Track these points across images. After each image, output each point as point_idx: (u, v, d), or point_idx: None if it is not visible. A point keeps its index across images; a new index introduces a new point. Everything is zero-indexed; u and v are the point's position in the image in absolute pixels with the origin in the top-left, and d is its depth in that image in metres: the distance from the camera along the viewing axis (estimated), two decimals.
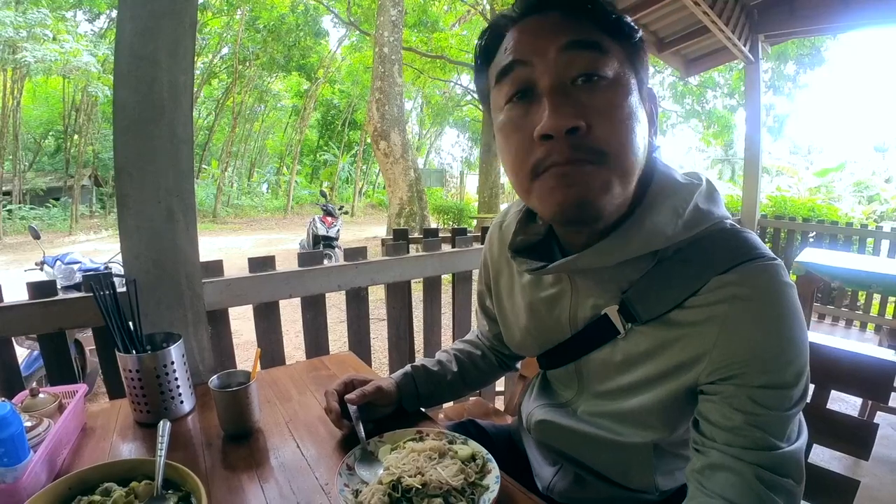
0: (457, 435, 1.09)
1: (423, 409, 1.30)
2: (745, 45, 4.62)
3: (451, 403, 2.67)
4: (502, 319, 1.17)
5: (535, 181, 0.80)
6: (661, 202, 0.82)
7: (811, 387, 0.78)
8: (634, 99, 0.79)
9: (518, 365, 1.46)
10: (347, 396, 1.16)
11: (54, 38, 15.41)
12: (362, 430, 1.10)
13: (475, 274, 2.65)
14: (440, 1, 18.36)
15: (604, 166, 0.76)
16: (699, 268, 0.80)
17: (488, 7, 15.12)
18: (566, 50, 0.76)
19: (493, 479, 0.95)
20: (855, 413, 3.08)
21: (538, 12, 0.81)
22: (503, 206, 1.27)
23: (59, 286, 3.98)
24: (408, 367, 1.31)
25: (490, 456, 1.01)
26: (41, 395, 1.23)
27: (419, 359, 1.37)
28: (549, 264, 0.88)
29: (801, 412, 0.79)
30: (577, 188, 0.77)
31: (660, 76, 18.18)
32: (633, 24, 0.82)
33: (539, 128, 0.75)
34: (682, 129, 21.10)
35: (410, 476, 0.93)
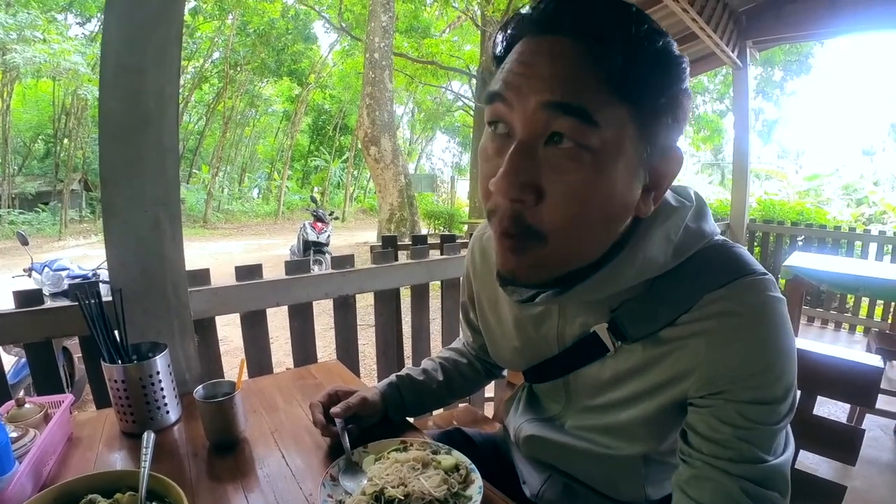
0: (441, 445, 1.09)
1: (411, 421, 1.30)
2: (733, 51, 4.65)
3: (440, 411, 2.67)
4: (487, 334, 1.16)
5: (491, 225, 0.78)
6: (654, 230, 0.80)
7: (797, 393, 0.78)
8: (619, 174, 0.70)
9: (505, 372, 1.45)
10: (332, 410, 1.15)
11: (44, 41, 15.34)
12: (347, 441, 1.09)
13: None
14: (431, 7, 18.39)
15: (538, 249, 0.74)
16: (690, 286, 0.80)
17: (479, 13, 15.16)
18: (546, 108, 0.68)
19: (476, 489, 0.95)
20: (844, 416, 3.11)
21: (549, 33, 0.70)
22: None
23: (47, 293, 3.98)
24: (392, 377, 1.30)
25: (473, 466, 1.01)
26: (27, 406, 1.22)
27: (406, 367, 1.36)
28: (538, 294, 0.86)
29: (788, 425, 0.79)
30: (511, 263, 0.77)
31: None
32: (675, 74, 0.70)
33: (491, 182, 0.71)
34: None
35: (393, 487, 0.93)
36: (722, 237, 0.85)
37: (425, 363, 1.36)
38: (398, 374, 1.31)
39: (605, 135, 0.67)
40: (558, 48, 0.69)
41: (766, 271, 0.79)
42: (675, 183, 0.82)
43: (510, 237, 0.74)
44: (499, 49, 0.77)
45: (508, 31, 0.76)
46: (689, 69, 0.73)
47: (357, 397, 1.20)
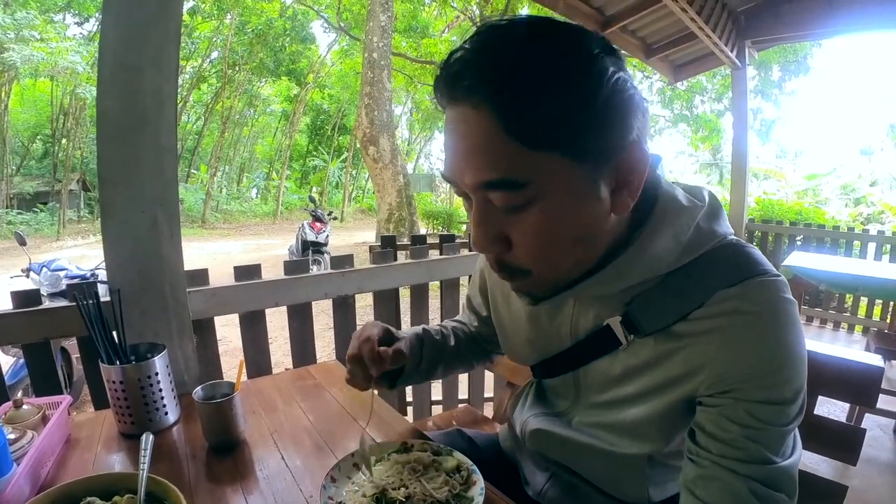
0: (442, 446, 1.08)
1: (410, 420, 1.29)
2: (731, 51, 4.66)
3: (440, 411, 2.67)
4: (500, 328, 1.16)
5: None
6: (662, 229, 0.80)
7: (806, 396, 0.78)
8: (572, 205, 0.72)
9: (493, 357, 1.43)
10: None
11: (42, 40, 15.31)
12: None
13: (463, 280, 2.66)
14: (430, 7, 18.39)
15: (527, 279, 0.81)
16: (703, 282, 0.79)
17: (477, 12, 15.16)
18: (478, 188, 0.73)
19: (478, 490, 0.95)
20: (844, 415, 3.11)
21: (454, 101, 0.72)
22: None
23: (45, 293, 3.98)
24: (419, 329, 1.25)
25: (475, 467, 1.01)
26: (25, 407, 1.21)
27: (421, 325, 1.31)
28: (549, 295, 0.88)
29: (797, 427, 0.79)
30: (514, 286, 0.87)
31: (648, 81, 18.28)
32: (589, 76, 0.68)
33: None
34: (670, 133, 21.21)
35: (394, 489, 0.93)
36: (735, 237, 0.85)
37: (435, 326, 1.32)
38: (424, 327, 1.27)
39: (539, 185, 0.70)
40: (464, 119, 0.71)
41: (778, 273, 0.79)
42: (688, 184, 0.86)
43: (500, 273, 0.82)
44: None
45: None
46: (611, 58, 0.70)
47: (394, 349, 1.07)
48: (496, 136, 0.68)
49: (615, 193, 0.74)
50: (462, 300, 1.86)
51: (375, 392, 1.09)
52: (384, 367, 1.05)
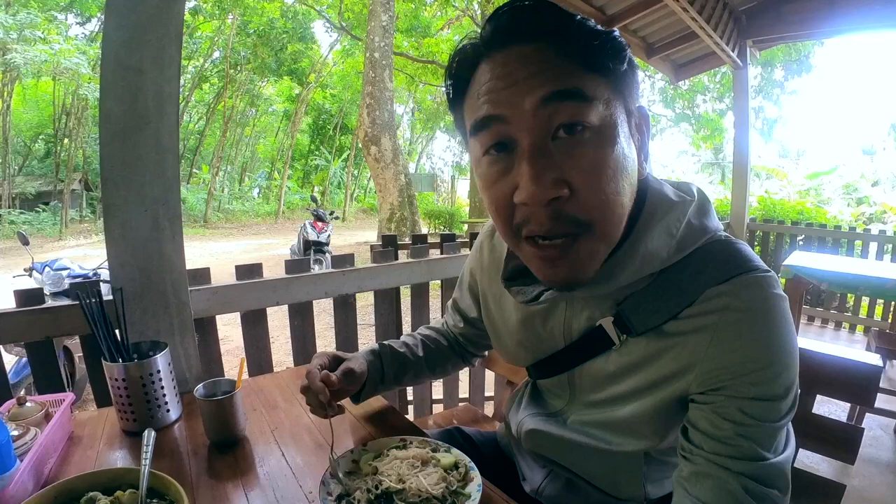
0: (440, 443, 1.09)
1: (410, 419, 1.30)
2: (733, 50, 4.65)
3: (440, 409, 2.67)
4: (493, 330, 1.17)
5: (520, 243, 0.80)
6: (654, 224, 0.81)
7: (798, 391, 0.79)
8: (623, 141, 0.74)
9: (476, 361, 1.44)
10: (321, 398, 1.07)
11: (44, 40, 15.33)
12: (332, 438, 1.07)
13: None
14: (431, 6, 18.38)
15: (590, 237, 0.75)
16: (694, 280, 0.80)
17: (479, 11, 15.15)
18: (546, 103, 0.71)
19: (476, 487, 0.95)
20: (844, 415, 3.11)
21: (512, 43, 0.74)
22: None
23: (47, 292, 3.97)
24: (375, 346, 1.27)
25: (473, 464, 1.01)
26: (28, 404, 1.22)
27: (387, 341, 1.33)
28: (543, 292, 0.89)
29: (789, 423, 0.79)
30: (561, 269, 0.78)
31: (650, 80, 18.26)
32: (620, 42, 0.75)
33: (517, 195, 0.74)
34: (672, 132, 21.20)
35: (392, 482, 0.93)
36: (725, 233, 0.85)
37: (405, 338, 1.35)
38: (381, 343, 1.29)
39: (600, 110, 0.72)
40: (526, 51, 0.73)
41: (768, 269, 0.80)
42: (677, 179, 0.87)
43: (556, 239, 0.75)
44: (458, 88, 0.83)
45: (461, 65, 0.81)
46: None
47: (342, 370, 1.13)
48: (558, 59, 0.72)
49: (638, 154, 0.80)
50: None
51: (329, 416, 1.09)
52: (337, 390, 1.09)
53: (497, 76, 0.74)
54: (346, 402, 1.21)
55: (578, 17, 0.74)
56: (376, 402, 1.38)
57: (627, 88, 0.77)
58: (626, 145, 0.75)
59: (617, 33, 0.75)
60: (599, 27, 0.74)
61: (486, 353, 1.44)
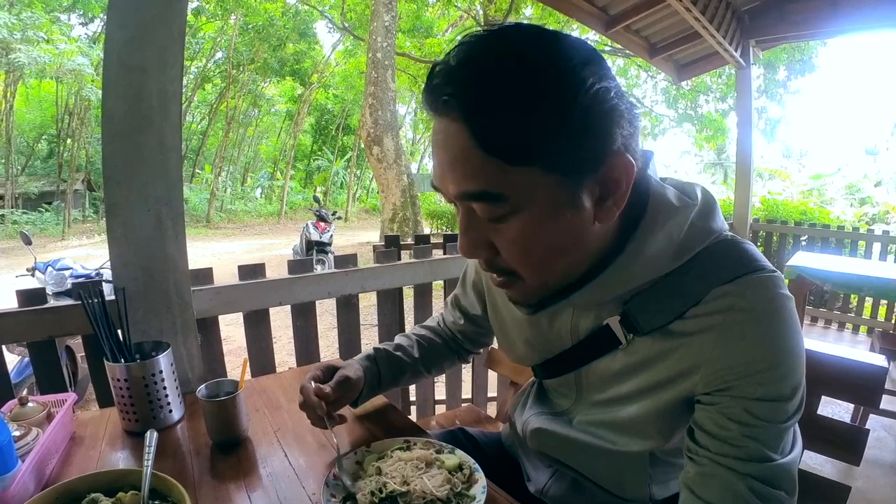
0: (444, 444, 1.09)
1: (414, 420, 1.30)
2: (736, 50, 4.64)
3: (443, 410, 2.67)
4: (500, 328, 1.16)
5: None
6: (655, 231, 0.80)
7: (805, 392, 0.78)
8: (548, 215, 0.72)
9: (470, 358, 1.47)
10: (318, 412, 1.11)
11: (48, 41, 15.35)
12: (335, 439, 1.09)
13: None
14: (434, 6, 18.39)
15: (519, 283, 0.82)
16: (700, 279, 0.79)
17: (481, 12, 15.15)
18: (461, 199, 0.74)
19: (480, 489, 0.95)
20: (848, 416, 3.10)
21: (435, 112, 0.73)
22: None
23: (50, 292, 3.99)
24: (371, 351, 1.30)
25: (477, 466, 1.01)
26: (30, 404, 1.22)
27: (382, 343, 1.35)
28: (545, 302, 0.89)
29: (796, 424, 0.79)
30: (513, 294, 0.87)
31: (652, 81, 18.25)
32: (567, 83, 0.67)
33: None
34: (675, 133, 21.14)
35: (397, 485, 0.93)
36: (731, 233, 0.84)
37: (399, 339, 1.36)
38: (376, 347, 1.31)
39: (518, 198, 0.71)
40: (445, 130, 0.71)
41: (774, 269, 0.79)
42: (683, 180, 0.85)
43: (493, 274, 0.83)
44: None
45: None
46: (591, 67, 0.69)
47: (337, 380, 1.16)
48: (473, 151, 0.68)
49: (599, 203, 0.74)
50: None
51: (331, 428, 1.10)
52: (331, 401, 1.13)
53: (433, 145, 0.76)
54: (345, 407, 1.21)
55: (508, 75, 0.66)
56: (379, 402, 1.37)
57: (573, 151, 0.69)
58: (554, 218, 0.73)
59: (576, 70, 0.67)
60: (546, 76, 0.67)
61: (482, 350, 1.44)
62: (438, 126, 0.73)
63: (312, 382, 1.14)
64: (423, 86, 0.74)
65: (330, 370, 1.20)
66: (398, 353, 1.30)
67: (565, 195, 0.71)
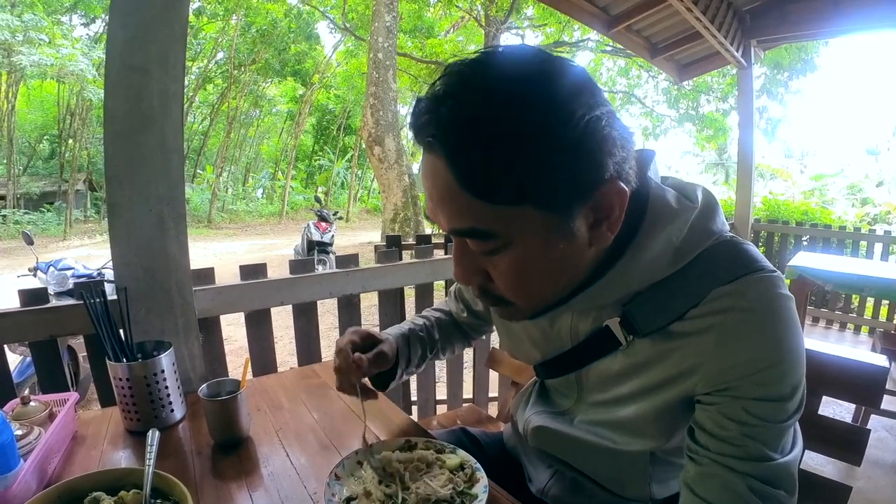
0: (446, 444, 1.09)
1: (414, 420, 1.30)
2: (737, 50, 4.63)
3: (444, 410, 2.66)
4: (505, 327, 1.16)
5: None
6: (654, 236, 0.79)
7: (805, 391, 0.78)
8: (538, 246, 0.72)
9: (474, 341, 1.50)
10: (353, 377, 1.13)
11: (50, 42, 15.36)
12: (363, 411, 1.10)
13: None
14: (435, 7, 18.39)
15: (511, 307, 0.83)
16: (700, 280, 0.79)
17: (482, 13, 15.15)
18: (451, 234, 0.75)
19: (482, 488, 0.95)
20: (849, 416, 3.09)
21: (424, 149, 0.72)
22: None
23: (52, 292, 3.99)
24: (405, 328, 1.30)
25: (479, 465, 1.01)
26: (32, 404, 1.23)
27: (406, 322, 1.37)
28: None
29: (796, 423, 0.79)
30: (502, 313, 0.87)
31: (654, 81, 18.23)
32: (557, 120, 0.65)
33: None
34: (676, 133, 21.12)
35: (398, 484, 0.93)
36: (731, 234, 0.84)
37: (419, 319, 1.37)
38: (410, 326, 1.32)
39: (508, 234, 0.71)
40: (433, 166, 0.71)
41: (774, 269, 0.79)
42: (684, 180, 0.86)
43: (485, 301, 0.86)
44: None
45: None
46: (583, 97, 0.67)
47: (376, 352, 1.16)
48: (459, 192, 0.68)
49: (594, 228, 0.74)
50: None
51: (361, 399, 1.12)
52: (365, 373, 1.13)
53: (422, 177, 0.76)
54: (352, 400, 1.21)
55: (486, 133, 0.65)
56: (381, 402, 1.38)
57: (562, 187, 0.68)
58: (545, 247, 0.73)
59: (566, 105, 0.66)
60: (534, 119, 0.64)
61: (484, 336, 1.48)
62: (426, 161, 0.72)
63: (352, 348, 1.14)
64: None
65: (367, 339, 1.19)
66: (424, 335, 1.31)
67: (558, 227, 0.71)
